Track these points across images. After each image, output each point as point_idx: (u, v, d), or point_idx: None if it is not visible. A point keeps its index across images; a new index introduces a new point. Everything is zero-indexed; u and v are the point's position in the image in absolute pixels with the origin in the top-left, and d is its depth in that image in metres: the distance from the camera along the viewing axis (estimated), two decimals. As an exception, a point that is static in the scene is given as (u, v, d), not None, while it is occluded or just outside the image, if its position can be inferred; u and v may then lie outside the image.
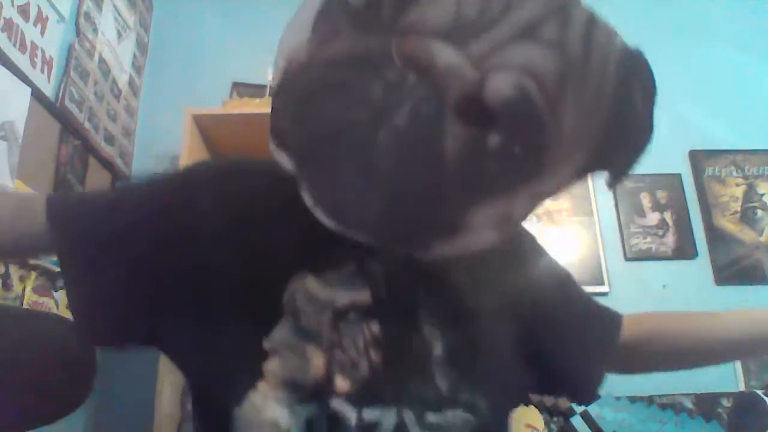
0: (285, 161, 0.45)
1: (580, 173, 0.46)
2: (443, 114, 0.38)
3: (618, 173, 0.48)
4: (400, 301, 0.51)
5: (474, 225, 0.42)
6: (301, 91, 0.43)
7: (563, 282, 0.66)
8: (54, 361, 0.66)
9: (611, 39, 0.42)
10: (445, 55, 0.38)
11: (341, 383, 0.47)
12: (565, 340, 0.61)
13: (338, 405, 0.46)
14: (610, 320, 0.67)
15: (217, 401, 0.48)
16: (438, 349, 0.50)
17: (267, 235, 0.51)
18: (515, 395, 0.60)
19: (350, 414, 0.46)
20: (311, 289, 0.48)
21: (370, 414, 0.47)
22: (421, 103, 0.38)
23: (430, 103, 0.38)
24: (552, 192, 0.45)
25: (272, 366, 0.46)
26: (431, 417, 0.48)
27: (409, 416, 0.47)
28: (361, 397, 0.47)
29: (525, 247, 0.64)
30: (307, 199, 0.43)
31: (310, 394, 0.46)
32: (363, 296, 0.49)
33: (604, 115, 0.43)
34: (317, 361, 0.47)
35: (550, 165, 0.41)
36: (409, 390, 0.49)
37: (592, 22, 0.41)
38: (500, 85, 0.38)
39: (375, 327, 0.49)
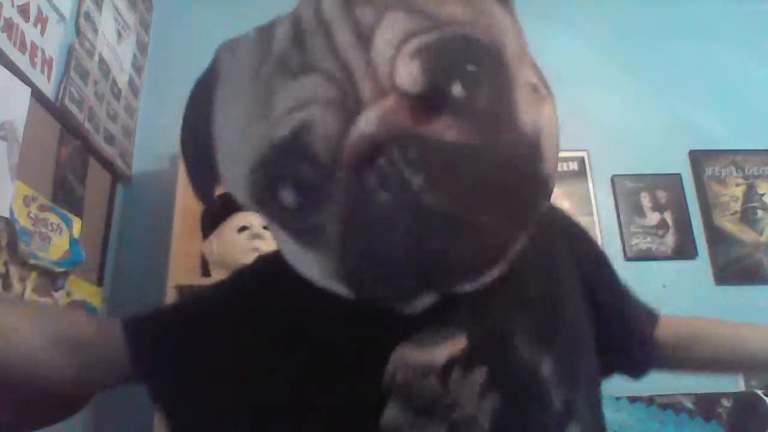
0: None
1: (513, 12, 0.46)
2: (422, 134, 0.38)
3: None
4: (494, 336, 0.50)
5: (533, 121, 0.42)
6: (360, 262, 0.42)
7: (603, 259, 0.67)
8: None
9: None
10: (365, 125, 0.38)
11: None
12: (613, 319, 0.62)
13: None
14: (648, 312, 0.69)
15: None
16: (545, 366, 0.50)
17: (340, 326, 0.51)
18: (599, 389, 0.59)
19: None
20: (408, 357, 0.48)
21: None
22: (406, 153, 0.38)
23: (409, 144, 0.38)
24: (520, 38, 0.45)
25: None
26: None
27: None
28: None
29: (564, 224, 0.65)
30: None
31: None
32: (459, 344, 0.48)
33: None
34: None
35: (494, 38, 0.42)
36: (532, 423, 0.48)
37: None
38: (407, 76, 0.38)
39: (481, 372, 0.48)
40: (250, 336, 0.53)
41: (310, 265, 0.46)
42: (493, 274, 0.44)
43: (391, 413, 0.46)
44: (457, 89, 0.39)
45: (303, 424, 0.50)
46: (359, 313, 0.47)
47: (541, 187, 0.43)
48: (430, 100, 0.39)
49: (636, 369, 0.67)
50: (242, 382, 0.52)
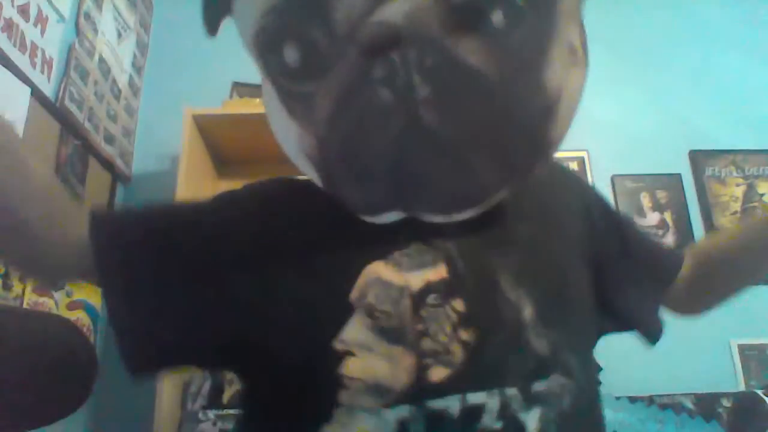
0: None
1: None
2: (445, 47, 0.36)
3: None
4: (478, 271, 0.46)
5: (558, 85, 0.40)
6: (341, 163, 0.41)
7: (611, 213, 0.65)
8: (55, 361, 0.66)
9: None
10: (395, 10, 0.36)
11: (437, 374, 0.42)
12: (622, 277, 0.60)
13: (437, 402, 0.42)
14: (669, 259, 0.67)
15: (295, 417, 0.45)
16: (528, 311, 0.46)
17: (320, 231, 0.49)
18: (593, 345, 0.56)
19: (452, 404, 0.42)
20: (383, 276, 0.44)
21: (473, 398, 0.42)
22: (423, 61, 0.36)
23: (429, 51, 0.36)
24: None
25: (352, 370, 0.42)
26: (537, 386, 0.44)
27: (512, 392, 0.43)
28: (461, 383, 0.42)
29: (565, 177, 0.63)
30: (419, 210, 0.43)
31: (401, 397, 0.42)
32: (439, 273, 0.45)
33: None
34: (406, 363, 0.42)
35: None
36: (509, 363, 0.44)
37: None
38: None
39: (459, 304, 0.44)
40: (226, 221, 0.52)
41: (288, 135, 0.44)
42: (466, 213, 0.42)
43: (353, 330, 0.43)
44: (498, 17, 0.37)
45: (262, 322, 0.47)
46: (338, 218, 0.45)
47: (543, 148, 0.42)
48: (467, 16, 0.37)
49: (648, 334, 0.64)
50: (220, 263, 0.49)
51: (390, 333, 0.43)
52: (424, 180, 0.39)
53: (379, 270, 0.45)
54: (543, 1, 0.39)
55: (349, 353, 0.43)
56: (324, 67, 0.39)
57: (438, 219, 0.43)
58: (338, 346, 0.43)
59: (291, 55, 0.40)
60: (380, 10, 0.36)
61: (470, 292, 0.45)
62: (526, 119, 0.39)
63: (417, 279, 0.44)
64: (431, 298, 0.44)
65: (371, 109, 0.37)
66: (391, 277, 0.44)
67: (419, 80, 0.36)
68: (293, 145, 0.44)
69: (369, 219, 0.44)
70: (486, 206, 0.43)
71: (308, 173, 0.45)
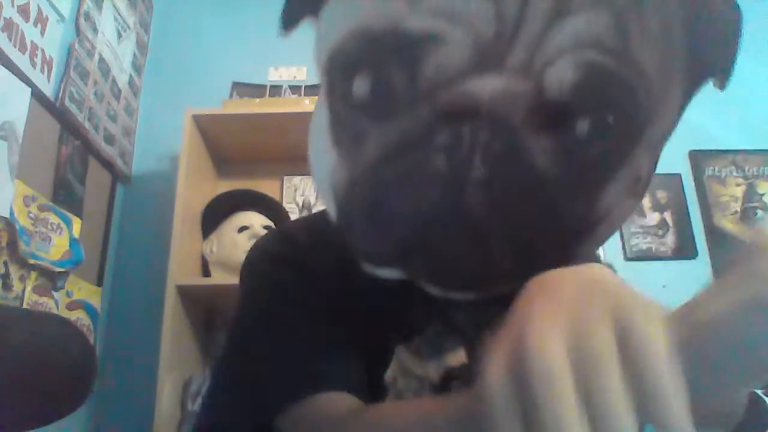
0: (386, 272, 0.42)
1: (687, 95, 0.42)
2: (518, 138, 0.35)
3: (725, 71, 0.43)
4: None
5: (609, 208, 0.39)
6: (362, 208, 0.39)
7: None
8: (54, 361, 0.66)
9: None
10: (485, 86, 0.34)
11: None
12: None
13: None
14: None
15: None
16: None
17: (349, 293, 0.48)
18: None
19: None
20: (406, 364, 0.45)
21: None
22: (490, 144, 0.34)
23: (500, 139, 0.34)
24: (670, 128, 0.42)
25: None
26: None
27: None
28: None
29: None
30: (421, 279, 0.41)
31: None
32: (457, 359, 0.45)
33: (680, 30, 0.38)
34: None
35: (652, 110, 0.37)
36: None
37: None
38: (560, 76, 0.34)
39: None
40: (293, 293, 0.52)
41: (323, 160, 0.42)
42: (465, 296, 0.41)
43: None
44: (583, 126, 0.35)
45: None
46: (360, 281, 0.44)
47: (564, 260, 0.39)
48: (554, 114, 0.35)
49: None
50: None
51: None
52: (440, 252, 0.38)
53: (403, 357, 0.45)
54: (631, 126, 0.37)
55: None
56: (389, 111, 0.37)
57: (435, 292, 0.42)
58: None
59: (361, 86, 0.38)
60: (471, 81, 0.34)
61: None
62: (563, 232, 0.38)
63: (436, 369, 0.45)
64: (454, 385, 0.44)
65: (420, 170, 0.35)
66: (413, 366, 0.45)
67: (479, 161, 0.34)
68: (324, 171, 0.42)
69: (367, 268, 0.43)
70: (487, 294, 0.42)
71: (327, 203, 0.43)
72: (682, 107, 0.42)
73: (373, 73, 0.37)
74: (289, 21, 0.46)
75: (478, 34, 0.34)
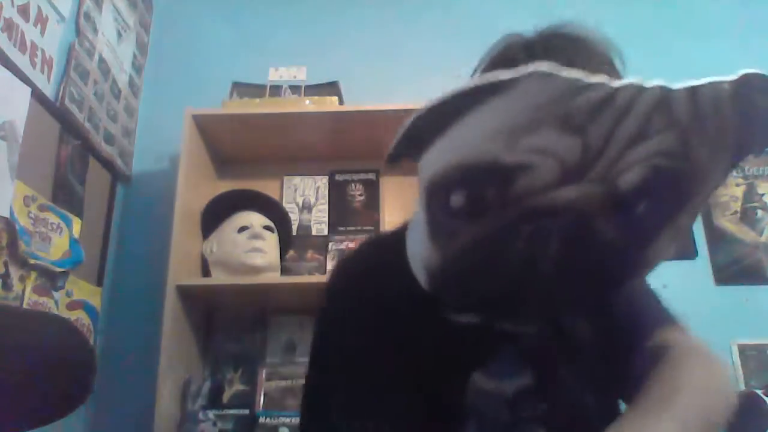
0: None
1: (732, 165, 0.47)
2: (590, 221, 0.41)
3: (761, 147, 0.48)
4: (552, 377, 0.55)
5: (656, 255, 0.45)
6: (454, 278, 0.46)
7: None
8: (53, 361, 0.66)
9: (713, 89, 0.42)
10: (564, 193, 0.40)
11: None
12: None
13: None
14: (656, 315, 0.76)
15: None
16: (593, 410, 0.55)
17: (418, 329, 0.56)
18: None
19: None
20: (482, 386, 0.53)
21: None
22: (568, 227, 0.40)
23: (576, 223, 0.40)
24: (713, 193, 0.48)
25: None
26: None
27: None
28: None
29: None
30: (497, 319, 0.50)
31: None
32: (526, 379, 0.54)
33: (732, 123, 0.43)
34: None
35: (700, 187, 0.43)
36: None
37: (692, 89, 0.41)
38: (631, 179, 0.40)
39: (543, 407, 0.53)
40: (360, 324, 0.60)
41: (420, 247, 0.49)
42: (530, 329, 0.50)
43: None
44: (642, 207, 0.41)
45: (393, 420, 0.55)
46: (445, 328, 0.51)
47: (612, 293, 0.50)
48: (621, 203, 0.41)
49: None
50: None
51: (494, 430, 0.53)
52: (516, 303, 0.45)
53: (479, 381, 0.53)
54: (681, 200, 0.43)
55: None
56: (482, 213, 0.43)
57: (506, 327, 0.50)
58: None
59: (457, 200, 0.44)
60: (553, 191, 0.40)
61: (553, 394, 0.54)
62: (618, 276, 0.45)
63: (510, 386, 0.53)
64: (523, 404, 0.52)
65: (504, 251, 0.42)
66: (489, 387, 0.53)
67: (555, 240, 0.41)
68: (419, 255, 0.49)
69: (448, 315, 0.50)
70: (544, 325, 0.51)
71: (418, 274, 0.50)
72: (727, 175, 0.48)
73: (468, 190, 0.43)
74: (394, 159, 0.52)
75: (565, 162, 0.40)
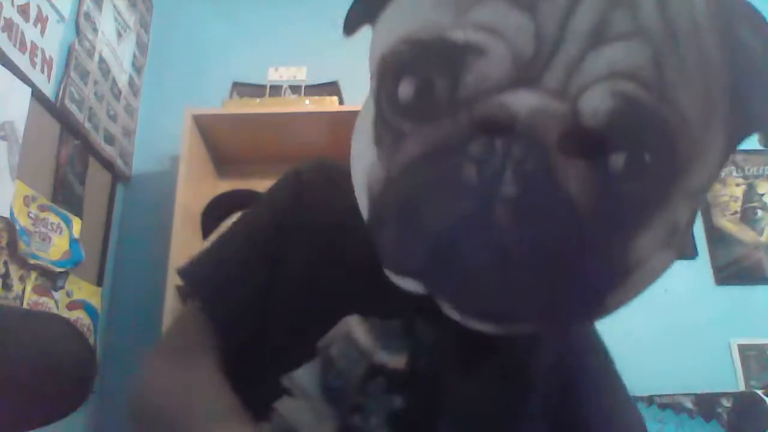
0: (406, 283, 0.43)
1: (730, 145, 0.41)
2: (550, 160, 0.35)
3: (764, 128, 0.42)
4: (433, 382, 0.45)
5: (643, 257, 0.38)
6: (394, 210, 0.40)
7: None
8: (54, 361, 0.66)
9: None
10: (522, 101, 0.34)
11: None
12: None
13: None
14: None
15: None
16: None
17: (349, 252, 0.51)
18: None
19: None
20: (355, 333, 0.43)
21: None
22: (523, 162, 0.34)
23: (533, 158, 0.34)
24: (711, 178, 0.41)
25: (283, 407, 0.42)
26: None
27: None
28: None
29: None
30: (442, 298, 0.41)
31: None
32: (398, 361, 0.44)
33: (720, 75, 0.37)
34: (328, 429, 0.41)
35: (691, 154, 0.36)
36: None
37: None
38: (595, 103, 0.34)
39: (397, 401, 0.42)
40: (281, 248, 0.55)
41: (363, 157, 0.43)
42: (484, 327, 0.41)
43: (305, 374, 0.43)
44: (617, 160, 0.35)
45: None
46: (357, 247, 0.45)
47: (592, 312, 0.40)
48: (588, 145, 0.35)
49: None
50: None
51: (331, 392, 0.42)
52: (466, 272, 0.38)
53: (353, 325, 0.43)
54: (668, 168, 0.36)
55: (289, 392, 0.43)
56: (430, 114, 0.38)
57: (454, 316, 0.41)
58: (285, 382, 0.43)
59: (406, 89, 0.39)
60: (510, 94, 0.35)
61: (413, 395, 0.43)
62: (589, 275, 0.37)
63: (380, 356, 0.43)
64: (380, 379, 0.42)
65: (452, 177, 0.36)
66: (361, 339, 0.43)
67: (510, 177, 0.34)
68: (363, 168, 0.43)
69: (388, 274, 0.43)
70: (505, 332, 0.41)
71: (360, 199, 0.44)
72: (725, 157, 0.41)
73: (418, 78, 0.38)
74: (351, 25, 0.48)
75: (518, 50, 0.35)
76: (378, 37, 0.45)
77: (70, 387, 0.68)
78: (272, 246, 0.55)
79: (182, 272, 0.58)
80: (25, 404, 0.62)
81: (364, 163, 0.43)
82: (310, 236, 0.55)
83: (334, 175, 0.55)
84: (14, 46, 1.18)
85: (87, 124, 1.49)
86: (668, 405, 1.57)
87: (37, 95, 1.26)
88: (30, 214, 1.22)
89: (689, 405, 1.61)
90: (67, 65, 1.40)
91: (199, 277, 0.58)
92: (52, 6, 1.34)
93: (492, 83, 0.35)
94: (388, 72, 0.41)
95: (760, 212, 1.93)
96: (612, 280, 0.38)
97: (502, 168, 0.35)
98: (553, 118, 0.34)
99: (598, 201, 0.35)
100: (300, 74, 1.73)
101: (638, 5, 0.35)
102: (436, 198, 0.37)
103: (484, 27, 0.35)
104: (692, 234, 1.89)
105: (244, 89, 1.78)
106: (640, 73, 0.34)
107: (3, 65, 1.13)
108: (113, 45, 1.66)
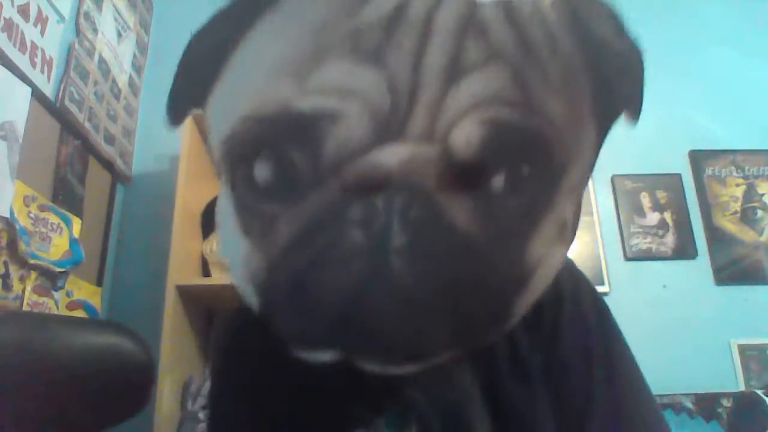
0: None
1: (601, 134, 0.42)
2: (434, 202, 0.34)
3: (633, 107, 0.43)
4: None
5: (538, 259, 0.38)
6: (286, 292, 0.37)
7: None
8: (115, 367, 0.67)
9: (533, 6, 0.37)
10: (391, 156, 0.33)
11: None
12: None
13: None
14: None
15: None
16: None
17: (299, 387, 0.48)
18: None
19: None
20: None
21: None
22: (407, 210, 0.33)
23: (417, 205, 0.33)
24: (588, 169, 0.42)
25: None
26: None
27: None
28: None
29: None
30: (358, 357, 0.39)
31: None
32: None
33: (581, 72, 0.38)
34: None
35: (567, 156, 0.37)
36: None
37: (505, 7, 0.35)
38: (465, 137, 0.33)
39: None
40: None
41: (236, 251, 0.40)
42: (406, 369, 0.40)
43: None
44: (498, 182, 0.35)
45: None
46: (306, 371, 0.42)
47: (502, 319, 0.39)
48: (467, 175, 0.34)
49: None
50: None
51: None
52: (371, 326, 0.36)
53: None
54: (547, 175, 0.36)
55: None
56: (297, 192, 0.35)
57: (374, 369, 0.40)
58: None
59: (263, 172, 0.36)
60: (375, 153, 0.33)
61: None
62: (495, 288, 0.37)
63: None
64: None
65: (338, 247, 0.34)
66: None
67: (399, 229, 0.33)
68: (239, 263, 0.40)
69: (302, 354, 0.41)
70: (428, 365, 0.41)
71: (246, 295, 0.41)
72: (598, 146, 0.42)
73: (273, 156, 0.36)
74: (177, 116, 0.46)
75: (374, 107, 0.33)
76: (214, 122, 0.41)
77: (131, 393, 0.69)
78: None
79: None
80: (76, 412, 0.63)
81: (238, 257, 0.40)
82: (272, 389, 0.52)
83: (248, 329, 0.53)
84: (14, 46, 1.18)
85: (87, 124, 1.49)
86: (668, 405, 1.57)
87: (37, 95, 1.26)
88: (30, 214, 1.22)
89: (689, 405, 1.61)
90: (67, 65, 1.40)
91: None
92: (52, 6, 1.34)
93: (355, 146, 0.33)
94: (238, 157, 0.38)
95: (760, 212, 1.93)
96: (515, 288, 0.38)
97: (388, 222, 0.33)
98: (426, 163, 0.33)
99: (487, 224, 0.35)
100: (300, 74, 1.74)
101: (487, 30, 0.34)
102: (327, 269, 0.35)
103: (331, 91, 0.33)
104: (692, 233, 1.89)
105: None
106: (502, 95, 0.34)
107: (3, 65, 1.13)
108: (113, 45, 1.66)
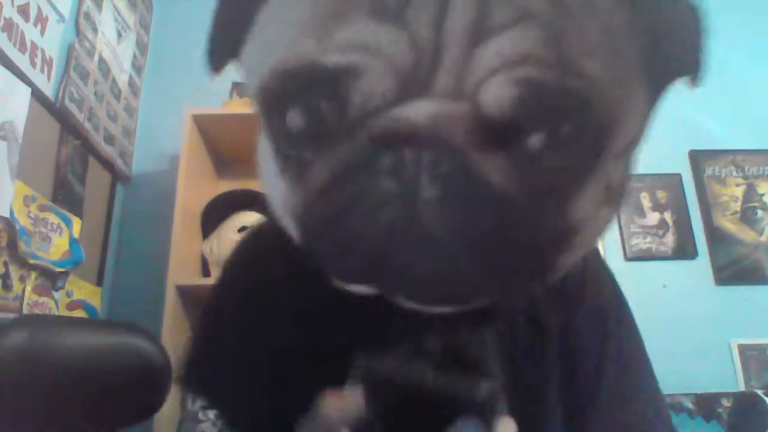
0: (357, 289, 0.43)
1: (654, 98, 0.40)
2: (465, 159, 0.34)
3: (694, 69, 0.42)
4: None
5: (582, 219, 0.38)
6: (322, 229, 0.39)
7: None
8: (133, 367, 0.67)
9: None
10: (418, 111, 0.33)
11: None
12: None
13: None
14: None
15: None
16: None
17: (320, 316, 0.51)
18: None
19: None
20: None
21: None
22: (437, 165, 0.33)
23: (446, 161, 0.33)
24: (638, 134, 0.40)
25: None
26: None
27: None
28: None
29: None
30: (395, 293, 0.41)
31: None
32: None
33: (626, 32, 0.37)
34: None
35: (611, 117, 0.36)
36: None
37: None
38: (496, 94, 0.33)
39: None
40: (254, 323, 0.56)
41: (275, 191, 0.42)
42: (446, 308, 0.41)
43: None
44: (535, 141, 0.34)
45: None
46: (324, 298, 0.45)
47: (545, 272, 0.40)
48: (500, 135, 0.34)
49: None
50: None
51: None
52: (405, 269, 0.37)
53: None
54: (590, 135, 0.36)
55: None
56: (328, 139, 0.37)
57: (411, 306, 0.41)
58: None
59: (295, 120, 0.37)
60: (400, 108, 0.34)
61: None
62: (533, 243, 0.37)
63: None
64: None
65: (369, 194, 0.35)
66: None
67: (427, 182, 0.33)
68: (278, 201, 0.43)
69: (339, 284, 0.43)
70: (463, 307, 0.42)
71: (288, 227, 0.44)
72: (650, 111, 0.41)
73: (302, 108, 0.37)
74: (216, 64, 0.48)
75: (396, 64, 0.33)
76: (249, 73, 0.43)
77: (149, 392, 0.69)
78: (267, 334, 0.56)
79: (184, 374, 0.61)
80: (109, 408, 0.64)
81: (278, 194, 0.42)
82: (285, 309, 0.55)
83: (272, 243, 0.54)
84: (14, 46, 1.18)
85: (87, 124, 1.49)
86: (668, 405, 1.57)
87: (37, 95, 1.26)
88: (30, 214, 1.22)
89: (689, 405, 1.61)
90: (67, 65, 1.40)
91: (204, 377, 0.60)
92: (52, 6, 1.34)
93: (379, 100, 0.34)
94: (270, 106, 0.39)
95: (760, 212, 1.93)
96: (556, 244, 0.38)
97: (416, 175, 0.33)
98: (455, 119, 0.33)
99: (524, 181, 0.35)
100: (300, 74, 1.74)
101: None
102: (359, 214, 0.36)
103: (353, 47, 0.34)
104: (692, 233, 1.89)
105: (244, 89, 1.78)
106: (535, 55, 0.33)
107: (3, 65, 1.13)
108: (113, 45, 1.66)
